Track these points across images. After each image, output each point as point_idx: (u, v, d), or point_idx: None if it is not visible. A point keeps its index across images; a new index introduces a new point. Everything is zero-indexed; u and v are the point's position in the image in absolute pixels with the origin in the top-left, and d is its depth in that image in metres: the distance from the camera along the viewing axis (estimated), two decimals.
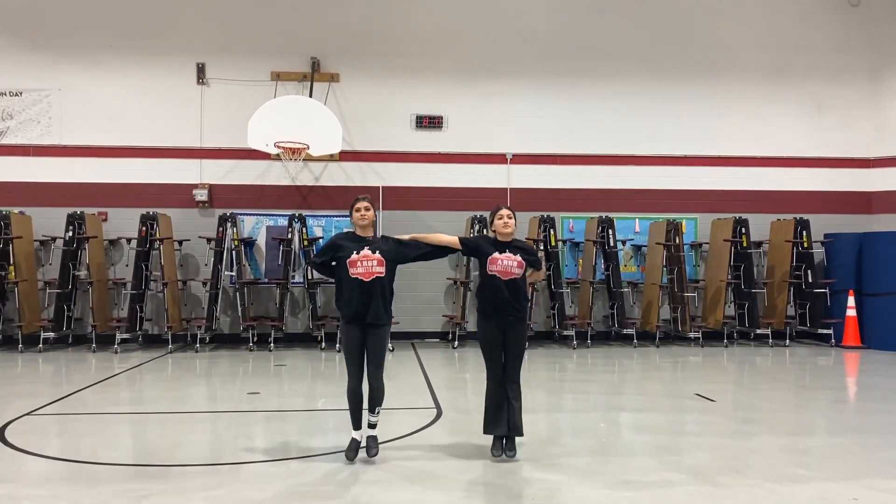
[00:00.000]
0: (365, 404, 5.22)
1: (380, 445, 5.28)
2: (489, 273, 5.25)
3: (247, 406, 7.32)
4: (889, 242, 11.79)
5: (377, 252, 5.12)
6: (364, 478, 4.86)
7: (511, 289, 5.23)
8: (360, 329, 5.12)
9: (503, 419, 5.27)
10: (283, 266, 11.65)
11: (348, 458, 5.14)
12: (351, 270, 5.10)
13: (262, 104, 11.19)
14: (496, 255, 5.25)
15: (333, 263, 5.25)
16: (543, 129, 12.80)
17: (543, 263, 5.71)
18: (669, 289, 11.90)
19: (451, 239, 5.43)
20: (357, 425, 5.22)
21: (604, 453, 5.55)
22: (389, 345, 5.08)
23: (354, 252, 5.11)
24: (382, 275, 5.12)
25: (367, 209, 5.23)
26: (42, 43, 12.15)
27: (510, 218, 5.33)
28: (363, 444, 5.23)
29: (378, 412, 5.20)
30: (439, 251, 5.47)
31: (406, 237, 5.40)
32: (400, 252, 5.29)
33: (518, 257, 5.25)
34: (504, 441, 5.31)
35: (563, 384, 8.73)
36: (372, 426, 5.20)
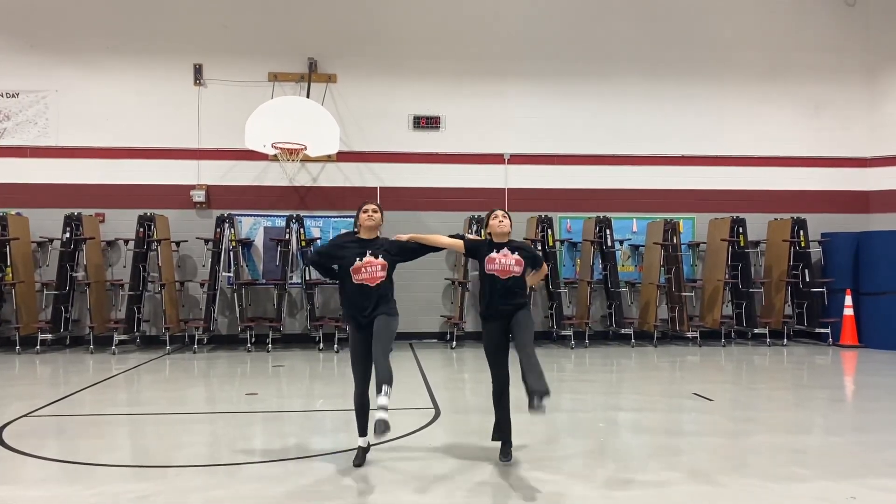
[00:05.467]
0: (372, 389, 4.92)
1: (381, 446, 5.24)
2: (487, 273, 5.18)
3: (245, 407, 7.31)
4: (886, 242, 11.82)
5: (380, 257, 5.10)
6: (363, 478, 4.86)
7: (510, 287, 5.13)
8: (366, 333, 5.04)
9: (510, 426, 5.23)
10: (280, 267, 11.65)
11: (356, 465, 5.10)
12: (355, 277, 5.06)
13: (260, 105, 11.20)
14: (493, 254, 5.19)
15: (334, 267, 5.25)
16: (541, 129, 12.80)
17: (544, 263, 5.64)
18: (667, 288, 11.92)
19: (455, 242, 5.37)
20: (362, 432, 5.18)
21: (602, 453, 5.56)
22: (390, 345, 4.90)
23: (357, 258, 5.08)
24: (385, 278, 5.12)
25: (374, 211, 5.22)
26: (39, 44, 12.12)
27: (505, 217, 5.31)
28: (369, 443, 5.19)
29: (386, 392, 4.59)
30: (435, 248, 5.46)
31: (405, 237, 5.35)
32: (401, 255, 5.27)
33: (516, 255, 5.18)
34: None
35: (561, 384, 8.72)
36: (381, 408, 4.52)
